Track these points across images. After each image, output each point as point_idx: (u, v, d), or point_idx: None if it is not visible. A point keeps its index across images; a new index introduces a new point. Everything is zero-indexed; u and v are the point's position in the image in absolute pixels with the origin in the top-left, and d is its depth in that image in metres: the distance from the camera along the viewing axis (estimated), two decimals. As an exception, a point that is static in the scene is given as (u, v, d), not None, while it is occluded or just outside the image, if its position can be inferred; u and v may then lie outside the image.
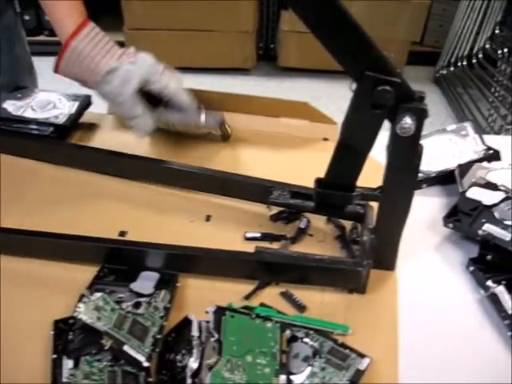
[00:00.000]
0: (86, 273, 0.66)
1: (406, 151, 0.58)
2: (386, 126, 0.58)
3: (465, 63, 2.81)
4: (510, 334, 0.62)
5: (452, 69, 2.90)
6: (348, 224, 0.75)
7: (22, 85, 1.03)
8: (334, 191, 0.64)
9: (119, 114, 0.83)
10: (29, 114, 0.89)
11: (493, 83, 2.57)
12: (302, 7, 0.52)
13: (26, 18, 2.96)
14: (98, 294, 0.59)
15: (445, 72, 2.96)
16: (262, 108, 0.94)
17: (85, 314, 0.57)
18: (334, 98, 2.57)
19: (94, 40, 0.79)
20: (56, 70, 0.80)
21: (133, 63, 0.80)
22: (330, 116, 0.93)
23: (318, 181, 0.65)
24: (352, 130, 0.59)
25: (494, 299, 0.65)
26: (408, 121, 0.54)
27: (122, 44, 0.81)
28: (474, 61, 2.74)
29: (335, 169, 0.62)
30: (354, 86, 0.55)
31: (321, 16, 0.52)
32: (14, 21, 1.08)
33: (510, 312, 0.63)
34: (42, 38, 2.99)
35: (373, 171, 0.64)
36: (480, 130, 0.89)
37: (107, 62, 0.78)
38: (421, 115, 0.55)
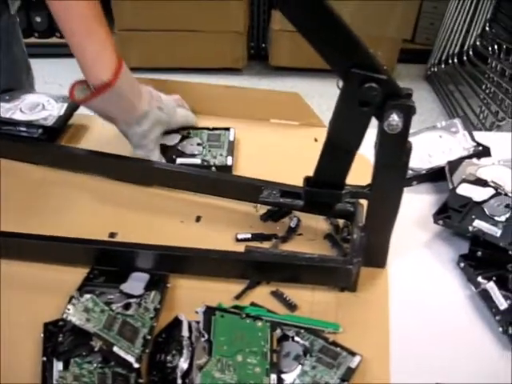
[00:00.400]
0: (77, 275, 0.66)
1: (394, 148, 0.58)
2: (375, 122, 0.58)
3: (456, 60, 2.81)
4: (500, 329, 0.62)
5: (443, 66, 2.91)
6: (340, 222, 0.75)
7: (19, 86, 1.03)
8: (323, 189, 0.64)
9: (137, 153, 0.83)
10: (18, 116, 0.89)
11: (484, 80, 2.58)
12: (288, 6, 0.52)
13: (38, 19, 2.95)
14: (88, 296, 0.59)
15: (436, 69, 2.96)
16: (253, 101, 0.93)
17: (74, 315, 0.56)
18: (326, 97, 2.57)
19: (129, 80, 0.79)
20: (85, 103, 0.78)
21: (161, 109, 0.83)
22: (320, 116, 0.93)
23: (307, 179, 0.65)
24: (340, 128, 0.59)
25: (485, 295, 0.65)
26: (395, 118, 0.54)
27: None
28: (465, 58, 2.74)
29: (324, 167, 0.62)
30: (341, 83, 0.55)
31: (306, 14, 0.52)
32: (11, 22, 1.07)
33: (500, 308, 0.63)
34: (54, 39, 2.99)
35: (362, 168, 0.64)
36: (470, 127, 0.89)
37: (142, 105, 0.80)
38: (408, 112, 0.55)
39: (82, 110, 0.95)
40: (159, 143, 0.85)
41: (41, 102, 0.92)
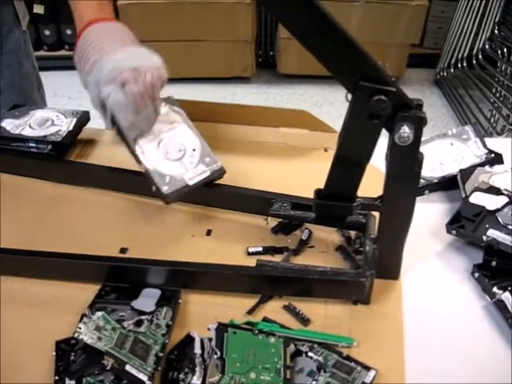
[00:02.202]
0: (88, 291, 0.66)
1: (405, 160, 0.57)
2: (386, 132, 0.58)
3: (465, 64, 2.80)
4: (517, 340, 0.61)
5: (452, 70, 2.90)
6: (352, 234, 0.74)
7: (30, 101, 1.03)
8: (334, 202, 0.63)
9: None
10: (27, 132, 0.89)
11: (494, 84, 2.56)
12: (291, 23, 0.52)
13: (47, 33, 2.97)
14: (99, 314, 0.59)
15: (445, 74, 2.95)
16: (260, 118, 0.93)
17: (85, 334, 0.56)
18: (335, 104, 2.56)
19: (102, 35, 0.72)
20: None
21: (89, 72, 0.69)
22: (330, 123, 0.92)
23: (318, 192, 0.64)
24: (349, 141, 0.58)
25: (501, 306, 0.64)
26: (406, 130, 0.54)
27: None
28: (474, 62, 2.73)
29: (334, 179, 0.62)
30: (350, 96, 0.55)
31: (311, 29, 0.52)
32: (22, 38, 1.08)
33: (516, 318, 0.62)
34: (62, 52, 3.01)
35: (374, 179, 0.63)
36: (481, 134, 0.89)
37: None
38: (419, 123, 0.54)
39: (91, 125, 0.95)
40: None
41: (50, 117, 0.92)
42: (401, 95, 0.53)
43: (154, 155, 0.73)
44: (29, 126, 0.90)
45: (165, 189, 0.71)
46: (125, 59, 0.67)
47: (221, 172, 0.75)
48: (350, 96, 0.54)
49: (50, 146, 0.87)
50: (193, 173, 0.73)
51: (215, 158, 0.75)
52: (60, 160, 0.88)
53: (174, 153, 0.74)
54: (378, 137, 0.57)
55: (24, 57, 1.09)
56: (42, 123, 0.90)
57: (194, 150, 0.75)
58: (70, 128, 0.90)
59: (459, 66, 2.84)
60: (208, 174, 0.74)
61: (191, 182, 0.72)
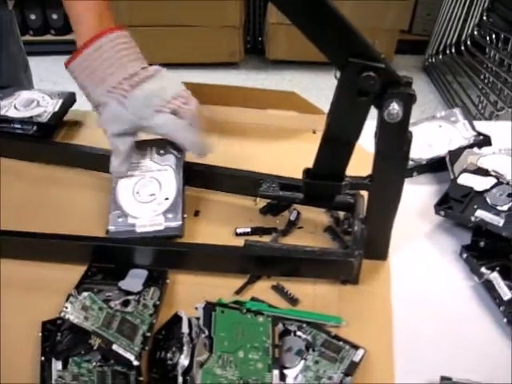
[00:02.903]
0: (75, 272, 0.65)
1: (394, 138, 0.57)
2: (374, 114, 0.57)
3: (453, 51, 2.80)
4: (505, 320, 0.61)
5: (441, 56, 2.90)
6: (340, 215, 0.74)
7: (17, 83, 1.01)
8: (323, 181, 0.63)
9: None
10: (12, 113, 0.87)
11: (482, 70, 2.57)
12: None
13: (32, 17, 2.94)
14: (86, 294, 0.58)
15: (434, 60, 2.95)
16: (249, 99, 0.92)
17: (72, 313, 0.56)
18: (324, 89, 2.56)
19: (109, 51, 0.71)
20: (66, 66, 0.73)
21: (122, 104, 0.70)
22: (318, 106, 0.92)
23: (306, 171, 0.64)
24: (338, 119, 0.58)
25: (489, 286, 0.64)
26: (395, 106, 0.53)
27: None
28: (463, 48, 2.73)
29: (323, 158, 0.61)
30: (339, 74, 0.54)
31: (300, 5, 0.51)
32: (8, 19, 1.06)
33: (504, 298, 0.62)
34: (48, 37, 2.98)
35: (361, 160, 0.63)
36: (470, 116, 0.89)
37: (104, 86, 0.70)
38: (408, 100, 0.54)
39: (77, 106, 0.94)
40: (126, 145, 0.73)
41: (35, 98, 0.91)
42: (390, 72, 0.53)
43: (126, 189, 0.72)
44: (14, 107, 0.89)
45: (111, 228, 0.69)
46: (162, 88, 0.72)
47: (178, 231, 0.69)
48: (338, 74, 0.54)
49: (35, 127, 0.86)
50: (148, 221, 0.69)
51: (180, 217, 0.70)
52: (45, 141, 0.87)
53: (144, 195, 0.71)
54: (366, 114, 0.56)
55: (10, 38, 1.08)
56: (27, 104, 0.89)
57: (166, 199, 0.71)
58: (56, 109, 0.89)
59: (448, 52, 2.84)
60: (161, 228, 0.69)
61: (139, 230, 0.69)
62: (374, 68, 0.52)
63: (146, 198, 0.71)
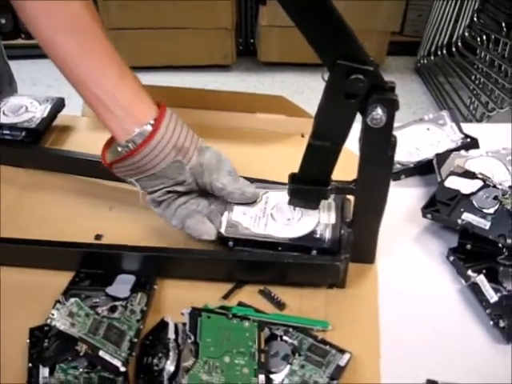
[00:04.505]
0: (62, 278, 0.65)
1: (378, 143, 0.57)
2: (360, 117, 0.57)
3: (445, 52, 2.81)
4: (491, 322, 0.62)
5: (432, 58, 2.91)
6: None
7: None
8: (308, 186, 0.63)
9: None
10: (1, 119, 0.88)
11: (473, 71, 2.57)
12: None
13: (2, 21, 2.92)
14: (72, 300, 0.58)
15: (425, 61, 2.96)
16: (237, 104, 0.93)
17: (58, 320, 0.56)
18: (316, 91, 2.56)
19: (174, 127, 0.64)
20: (115, 167, 0.65)
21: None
22: (311, 110, 0.91)
23: (292, 176, 0.64)
24: (325, 122, 0.58)
25: (475, 288, 0.65)
26: (379, 112, 0.54)
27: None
28: (454, 49, 2.74)
29: (308, 163, 0.61)
30: (327, 76, 0.54)
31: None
32: None
33: (491, 301, 0.62)
34: (19, 41, 2.96)
35: (349, 163, 0.63)
36: (458, 119, 0.89)
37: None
38: (392, 106, 0.54)
39: (66, 111, 0.94)
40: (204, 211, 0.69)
41: (24, 104, 0.91)
42: (377, 76, 0.53)
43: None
44: (2, 113, 0.89)
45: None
46: (242, 187, 0.69)
47: None
48: (326, 75, 0.54)
49: (23, 133, 0.86)
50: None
51: None
52: (34, 147, 0.87)
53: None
54: (353, 117, 0.56)
55: None
56: (16, 110, 0.89)
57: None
58: (45, 115, 0.89)
59: (439, 53, 2.85)
60: None
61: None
62: (362, 71, 0.52)
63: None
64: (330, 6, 0.50)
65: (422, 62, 2.99)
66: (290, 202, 0.66)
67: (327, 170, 0.62)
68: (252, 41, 3.13)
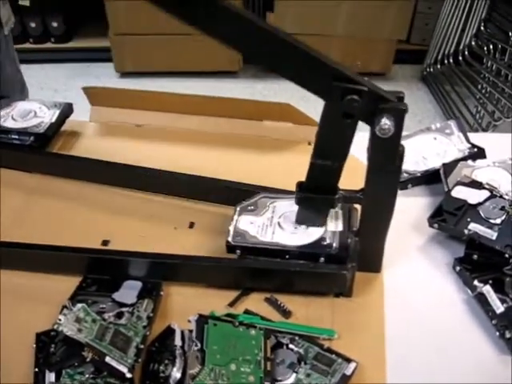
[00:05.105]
0: (69, 283, 0.65)
1: (386, 153, 0.57)
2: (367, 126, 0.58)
3: (451, 61, 2.81)
4: (497, 333, 0.61)
5: (439, 66, 2.90)
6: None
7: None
8: (316, 195, 0.63)
9: None
10: (9, 123, 0.88)
11: (479, 80, 2.57)
12: (253, 56, 0.56)
13: (32, 25, 2.94)
14: (79, 306, 0.58)
15: (432, 70, 2.96)
16: (244, 111, 0.93)
17: (65, 326, 0.56)
18: (322, 98, 2.56)
19: None
20: None
21: None
22: (317, 117, 0.92)
23: (300, 184, 0.64)
24: (325, 141, 0.59)
25: (481, 299, 0.64)
26: (387, 122, 0.54)
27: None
28: (461, 58, 2.74)
29: (314, 174, 0.61)
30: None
31: (270, 52, 0.54)
32: (3, 42, 1.07)
33: (497, 311, 0.62)
34: (26, 45, 2.97)
35: (357, 171, 0.63)
36: (464, 128, 0.89)
37: None
38: (400, 115, 0.54)
39: (74, 117, 0.95)
40: None
41: (33, 109, 0.91)
42: (374, 93, 0.53)
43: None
44: (11, 117, 0.89)
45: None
46: None
47: None
48: None
49: (32, 138, 0.87)
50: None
51: None
52: (42, 152, 0.87)
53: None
54: (353, 135, 0.57)
55: (6, 60, 1.08)
56: (25, 115, 0.90)
57: None
58: (53, 120, 0.90)
59: (445, 62, 2.85)
60: None
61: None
62: (357, 91, 0.53)
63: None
64: (296, 44, 0.53)
65: (428, 70, 2.99)
66: (298, 220, 0.67)
67: (333, 180, 0.62)
68: (259, 47, 3.13)
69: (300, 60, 0.54)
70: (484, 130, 2.45)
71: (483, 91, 2.55)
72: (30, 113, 0.90)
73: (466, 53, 2.71)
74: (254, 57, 0.56)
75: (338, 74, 0.53)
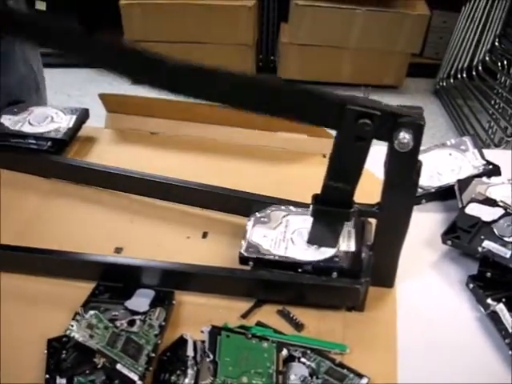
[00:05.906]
0: (82, 290, 0.65)
1: (404, 167, 0.57)
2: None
3: (465, 75, 2.81)
4: (510, 352, 0.61)
5: (452, 81, 2.90)
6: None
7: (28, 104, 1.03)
8: (331, 207, 0.63)
9: None
10: (26, 128, 0.89)
11: (493, 95, 2.57)
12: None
13: None
14: (92, 312, 0.59)
15: (445, 84, 2.96)
16: (258, 122, 0.93)
17: (77, 332, 0.56)
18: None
19: None
20: None
21: None
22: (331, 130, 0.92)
23: (315, 197, 0.64)
24: (337, 163, 0.59)
25: (494, 317, 0.64)
26: (406, 136, 0.54)
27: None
28: (474, 73, 2.73)
29: (329, 189, 0.61)
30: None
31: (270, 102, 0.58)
32: (17, 43, 1.07)
33: (510, 330, 0.62)
34: (41, 49, 2.98)
35: (372, 186, 0.63)
36: (479, 145, 0.89)
37: None
38: (418, 130, 0.54)
39: (91, 122, 0.95)
40: None
41: (49, 114, 0.92)
42: (387, 116, 0.54)
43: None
44: (28, 122, 0.90)
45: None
46: None
47: None
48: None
49: (49, 143, 0.87)
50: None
51: None
52: (59, 157, 0.88)
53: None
54: (365, 157, 0.57)
55: (20, 61, 1.09)
56: (42, 120, 0.90)
57: None
58: (70, 125, 0.90)
59: (459, 76, 2.85)
60: None
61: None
62: (369, 115, 0.53)
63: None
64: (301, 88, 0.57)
65: (441, 84, 2.99)
66: (310, 240, 0.67)
67: (349, 194, 0.62)
68: (272, 57, 3.14)
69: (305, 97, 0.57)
70: (496, 146, 2.44)
71: (496, 106, 2.54)
72: (47, 118, 0.91)
73: (480, 68, 2.71)
74: (261, 112, 0.60)
75: (350, 100, 0.54)
